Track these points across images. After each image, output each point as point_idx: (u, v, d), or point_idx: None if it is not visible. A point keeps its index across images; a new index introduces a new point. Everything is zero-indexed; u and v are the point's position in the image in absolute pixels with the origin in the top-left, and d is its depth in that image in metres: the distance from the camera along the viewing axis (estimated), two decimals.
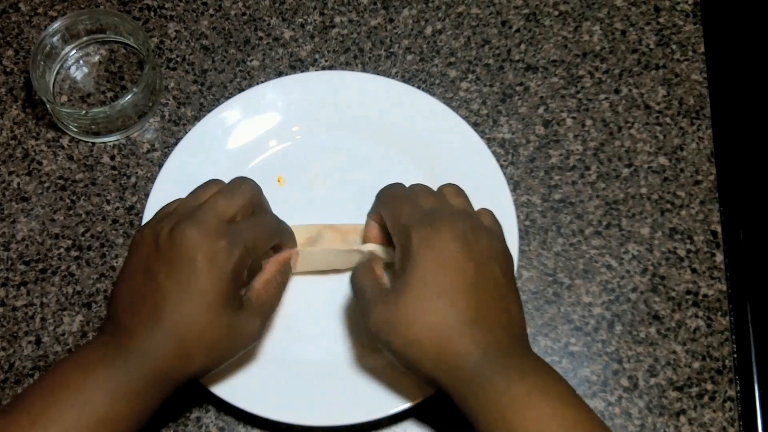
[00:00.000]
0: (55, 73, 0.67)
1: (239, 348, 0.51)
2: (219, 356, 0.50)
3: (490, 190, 0.59)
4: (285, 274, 0.55)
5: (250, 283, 0.53)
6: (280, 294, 0.54)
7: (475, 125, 0.65)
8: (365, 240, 0.56)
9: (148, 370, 0.47)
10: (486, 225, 0.51)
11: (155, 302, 0.48)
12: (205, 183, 0.54)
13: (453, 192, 0.54)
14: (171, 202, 0.54)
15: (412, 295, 0.47)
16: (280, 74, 0.67)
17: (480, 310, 0.47)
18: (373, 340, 0.50)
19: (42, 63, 0.65)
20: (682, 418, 0.56)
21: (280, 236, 0.54)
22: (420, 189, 0.54)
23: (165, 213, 0.52)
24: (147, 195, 0.61)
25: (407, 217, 0.50)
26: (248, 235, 0.50)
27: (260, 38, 0.69)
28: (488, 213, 0.53)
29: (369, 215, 0.56)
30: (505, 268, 0.49)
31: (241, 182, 0.53)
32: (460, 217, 0.49)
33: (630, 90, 0.66)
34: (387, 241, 0.55)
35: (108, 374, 0.46)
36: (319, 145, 0.63)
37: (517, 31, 0.69)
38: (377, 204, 0.55)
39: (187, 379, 0.49)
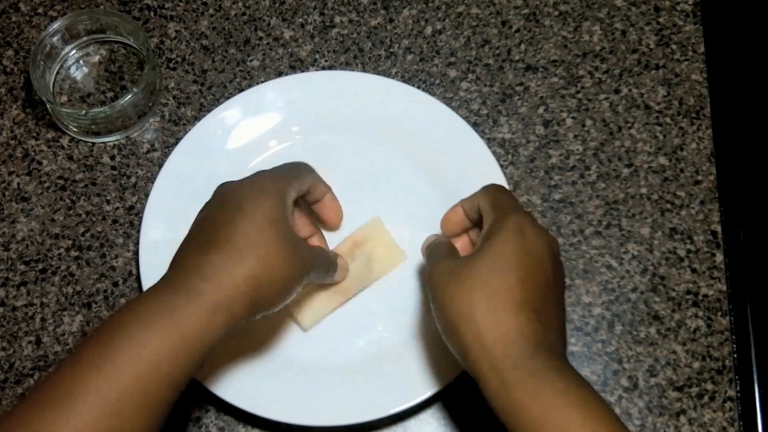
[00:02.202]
0: (55, 73, 0.67)
1: (298, 267, 0.50)
2: (280, 266, 0.48)
3: None
4: (329, 262, 0.55)
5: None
6: (324, 264, 0.54)
7: (475, 125, 0.65)
8: (446, 223, 0.56)
9: (211, 292, 0.45)
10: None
11: (209, 233, 0.48)
12: None
13: None
14: None
15: (491, 258, 0.47)
16: (280, 74, 0.67)
17: (541, 304, 0.47)
18: (430, 296, 0.50)
19: (42, 63, 0.65)
20: (682, 418, 0.56)
21: (310, 172, 0.55)
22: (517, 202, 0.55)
23: None
24: (147, 195, 0.61)
25: (512, 205, 0.51)
26: (286, 175, 0.52)
27: (260, 38, 0.69)
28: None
29: (460, 202, 0.56)
30: (562, 292, 0.50)
31: (302, 168, 0.55)
32: (551, 235, 0.50)
33: (630, 90, 0.66)
34: (462, 231, 0.56)
35: (167, 319, 0.44)
36: (319, 145, 0.63)
37: (517, 31, 0.69)
38: (481, 191, 0.54)
39: (253, 306, 0.47)
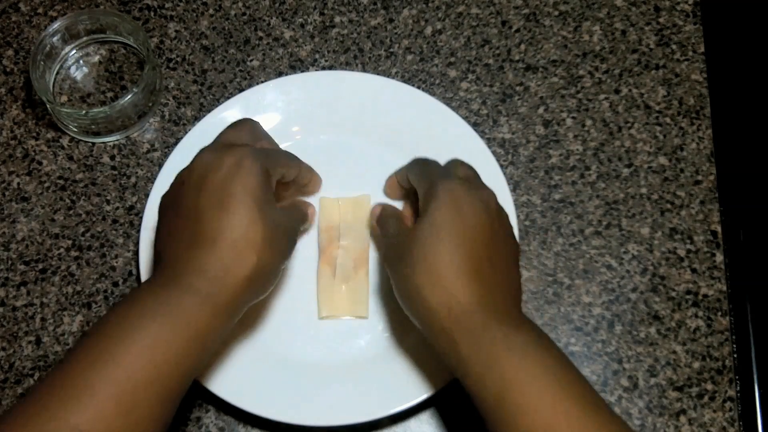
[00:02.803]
0: (55, 73, 0.67)
1: (286, 249, 0.50)
2: (273, 256, 0.48)
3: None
4: (304, 207, 0.57)
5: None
6: (302, 220, 0.57)
7: (475, 125, 0.65)
8: (387, 192, 0.60)
9: (215, 294, 0.46)
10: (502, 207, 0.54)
11: (197, 224, 0.47)
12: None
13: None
14: None
15: (426, 231, 0.49)
16: (280, 74, 0.67)
17: (483, 264, 0.48)
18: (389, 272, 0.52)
19: (42, 63, 0.65)
20: (682, 418, 0.56)
21: (293, 160, 0.55)
22: (454, 162, 0.56)
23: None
24: (147, 195, 0.61)
25: (438, 173, 0.53)
26: (269, 153, 0.52)
27: (260, 38, 0.69)
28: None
29: (392, 174, 0.59)
30: (512, 250, 0.52)
31: (242, 120, 0.55)
32: (487, 191, 0.52)
33: (630, 90, 0.66)
34: (402, 197, 0.60)
35: (179, 316, 0.45)
36: (319, 145, 0.63)
37: (517, 31, 0.69)
38: (407, 165, 0.57)
39: (252, 298, 0.48)
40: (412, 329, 0.57)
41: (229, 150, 0.49)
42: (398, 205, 0.60)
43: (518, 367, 0.44)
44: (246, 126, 0.55)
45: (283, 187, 0.57)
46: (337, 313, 0.58)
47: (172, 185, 0.51)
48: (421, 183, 0.53)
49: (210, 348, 0.47)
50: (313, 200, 0.61)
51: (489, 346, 0.45)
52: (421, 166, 0.55)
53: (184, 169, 0.50)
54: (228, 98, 0.64)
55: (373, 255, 0.60)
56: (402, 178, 0.58)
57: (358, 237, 0.59)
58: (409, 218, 0.58)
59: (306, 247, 0.60)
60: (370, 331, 0.58)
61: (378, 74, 0.66)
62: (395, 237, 0.53)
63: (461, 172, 0.54)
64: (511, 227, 0.53)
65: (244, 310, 0.49)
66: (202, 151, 0.50)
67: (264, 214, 0.47)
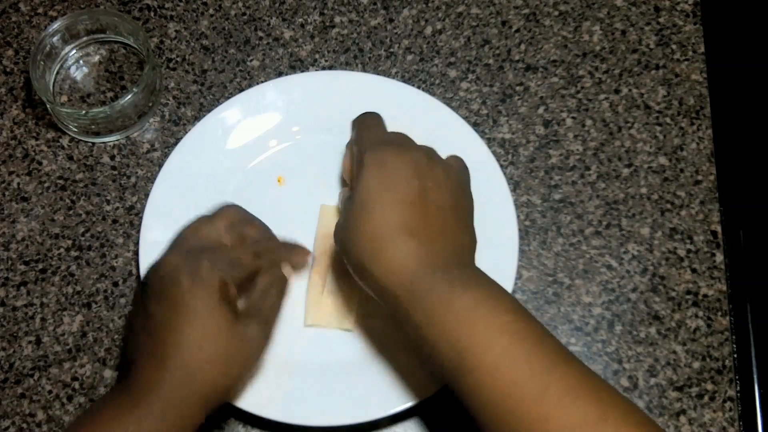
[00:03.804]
0: (55, 73, 0.67)
1: (250, 359, 0.51)
2: (233, 371, 0.49)
3: (490, 190, 0.59)
4: (280, 283, 0.54)
5: (247, 295, 0.52)
6: (278, 302, 0.54)
7: (475, 125, 0.65)
8: (345, 171, 0.58)
9: (171, 411, 0.46)
10: (448, 162, 0.53)
11: (155, 339, 0.47)
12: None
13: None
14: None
15: (357, 205, 0.49)
16: (280, 74, 0.67)
17: (418, 224, 0.48)
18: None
19: (42, 63, 0.65)
20: (682, 418, 0.56)
21: (264, 253, 0.53)
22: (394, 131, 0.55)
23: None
24: (147, 195, 0.61)
25: (367, 140, 0.53)
26: (231, 260, 0.50)
27: (260, 38, 0.69)
28: (457, 158, 0.55)
29: (347, 144, 0.58)
30: (457, 202, 0.51)
31: (222, 206, 0.54)
32: (419, 148, 0.51)
33: (630, 90, 0.66)
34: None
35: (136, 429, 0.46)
36: (319, 145, 0.63)
37: (517, 31, 0.69)
38: (352, 133, 0.57)
39: (210, 405, 0.48)
40: None
41: (190, 260, 0.48)
42: None
43: (477, 324, 0.44)
44: (222, 218, 0.53)
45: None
46: (322, 324, 0.57)
47: (142, 283, 0.51)
48: (356, 152, 0.53)
49: None
50: (314, 208, 0.60)
51: (440, 309, 0.45)
52: (361, 131, 0.55)
53: (151, 267, 0.50)
54: (228, 98, 0.64)
55: None
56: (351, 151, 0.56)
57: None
58: None
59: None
60: (369, 331, 0.58)
61: (378, 74, 0.66)
62: (338, 222, 0.52)
63: (392, 135, 0.54)
64: (460, 181, 0.52)
65: (203, 418, 0.48)
66: (169, 252, 0.51)
67: (219, 332, 0.48)
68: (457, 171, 0.53)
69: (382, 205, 0.48)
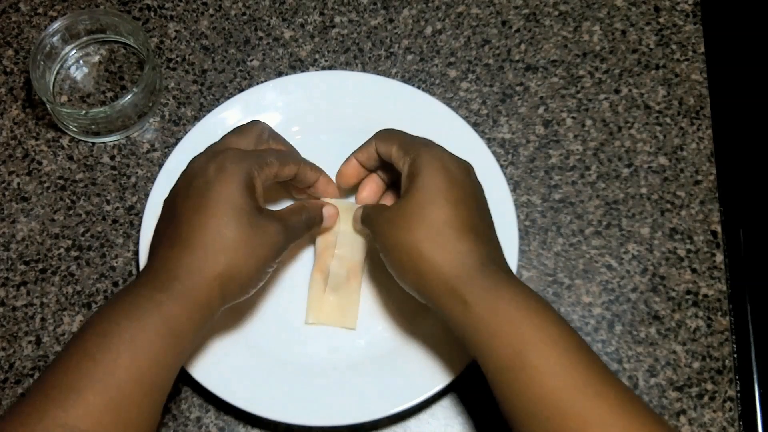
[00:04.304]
0: (55, 73, 0.67)
1: (269, 251, 0.50)
2: (250, 260, 0.49)
3: (490, 190, 0.59)
4: (311, 211, 0.56)
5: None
6: (305, 223, 0.55)
7: (475, 125, 0.65)
8: (341, 177, 0.59)
9: (190, 294, 0.47)
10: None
11: (176, 223, 0.49)
12: None
13: None
14: None
15: (423, 197, 0.49)
16: (280, 74, 0.67)
17: (481, 224, 0.50)
18: (383, 257, 0.52)
19: (42, 63, 0.65)
20: (682, 418, 0.56)
21: (289, 159, 0.55)
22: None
23: None
24: (147, 195, 0.61)
25: (419, 142, 0.53)
26: (258, 155, 0.52)
27: (260, 38, 0.69)
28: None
29: (354, 153, 0.58)
30: (489, 211, 0.53)
31: (250, 122, 0.56)
32: (458, 156, 0.53)
33: (630, 90, 0.66)
34: (361, 178, 0.59)
35: (155, 315, 0.46)
36: (319, 145, 0.63)
37: (517, 31, 0.69)
38: (374, 138, 0.57)
39: (228, 295, 0.49)
40: (411, 330, 0.57)
41: (216, 155, 0.51)
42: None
43: (538, 328, 0.45)
44: (251, 130, 0.55)
45: (297, 190, 0.59)
46: (324, 322, 0.57)
47: (171, 189, 0.53)
48: (404, 153, 0.53)
49: (188, 345, 0.48)
50: (337, 202, 0.59)
51: (505, 305, 0.46)
52: (398, 138, 0.55)
53: (181, 173, 0.53)
54: (228, 98, 0.64)
55: (367, 267, 0.59)
56: (369, 157, 0.57)
57: (354, 246, 0.59)
58: (389, 199, 0.59)
59: (305, 249, 0.60)
60: (370, 331, 0.58)
61: (378, 74, 0.66)
62: (384, 215, 0.52)
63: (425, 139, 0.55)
64: (483, 193, 0.54)
65: (220, 309, 0.49)
66: (196, 156, 0.53)
67: (240, 218, 0.49)
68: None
69: (449, 201, 0.49)
